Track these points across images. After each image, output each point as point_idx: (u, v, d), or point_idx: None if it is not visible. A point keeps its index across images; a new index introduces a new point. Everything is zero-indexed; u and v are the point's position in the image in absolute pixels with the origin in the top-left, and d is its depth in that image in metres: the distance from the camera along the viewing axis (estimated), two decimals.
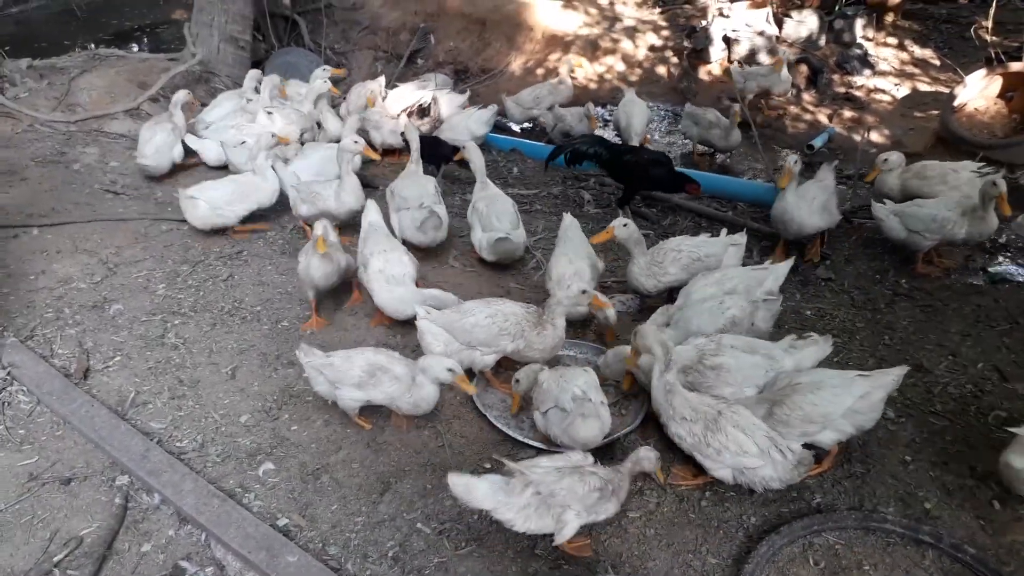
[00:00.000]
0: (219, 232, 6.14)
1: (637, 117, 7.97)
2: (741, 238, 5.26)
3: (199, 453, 4.08)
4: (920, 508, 3.73)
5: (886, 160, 6.16)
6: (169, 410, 4.37)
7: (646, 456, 3.48)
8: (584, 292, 4.45)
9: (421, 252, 5.66)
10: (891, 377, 3.79)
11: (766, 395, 3.91)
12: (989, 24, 8.60)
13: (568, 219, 5.39)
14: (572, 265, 5.02)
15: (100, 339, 4.93)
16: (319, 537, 3.61)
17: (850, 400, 3.71)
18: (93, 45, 10.15)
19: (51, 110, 8.02)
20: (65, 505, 3.76)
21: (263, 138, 6.13)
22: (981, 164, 6.13)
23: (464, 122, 7.85)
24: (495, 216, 5.63)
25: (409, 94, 8.53)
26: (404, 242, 5.49)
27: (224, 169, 7.25)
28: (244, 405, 4.43)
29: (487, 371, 4.50)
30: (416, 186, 5.82)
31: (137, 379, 4.61)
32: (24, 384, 4.47)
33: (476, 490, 3.32)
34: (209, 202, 5.94)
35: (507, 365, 4.73)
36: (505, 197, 5.81)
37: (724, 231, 5.37)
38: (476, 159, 5.92)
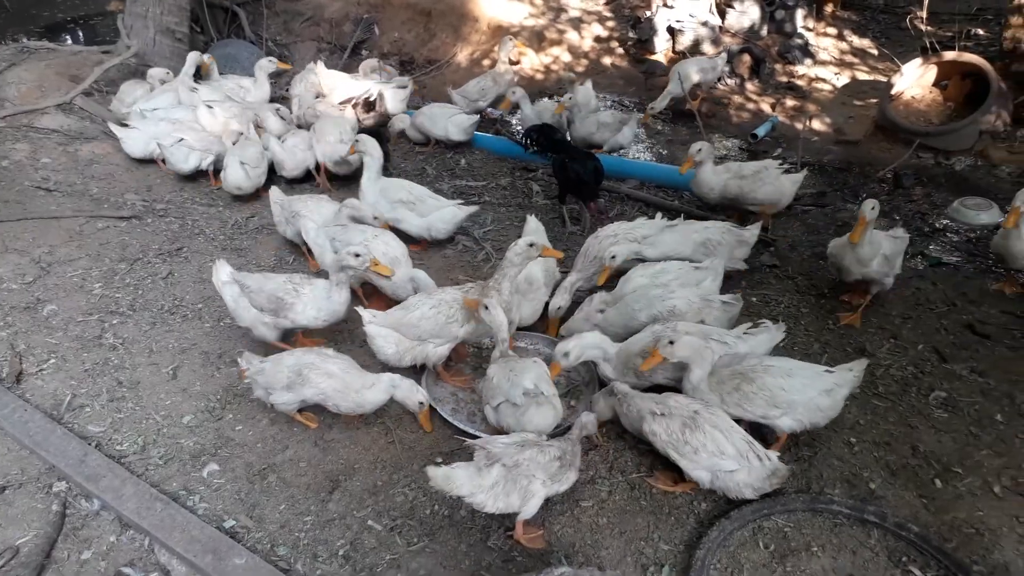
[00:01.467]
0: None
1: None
2: (676, 222, 5.34)
3: (140, 456, 3.96)
4: (865, 489, 3.80)
5: (699, 150, 5.86)
6: (108, 412, 4.24)
7: (588, 420, 3.69)
8: (532, 245, 4.31)
9: None
10: (853, 374, 3.87)
11: (736, 368, 3.92)
12: (924, 14, 8.79)
13: (532, 223, 5.34)
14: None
15: (33, 341, 4.76)
16: (267, 538, 3.53)
17: (815, 392, 3.77)
18: (25, 38, 9.78)
19: None
20: None
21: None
22: (781, 160, 6.21)
23: (444, 123, 7.84)
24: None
25: (349, 85, 8.39)
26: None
27: (148, 162, 7.13)
28: (187, 405, 4.31)
29: (439, 366, 4.44)
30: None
31: (73, 381, 4.46)
32: None
33: (455, 478, 3.31)
34: None
35: (457, 359, 4.70)
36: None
37: (659, 215, 5.42)
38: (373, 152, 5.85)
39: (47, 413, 4.16)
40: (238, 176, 6.40)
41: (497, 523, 3.59)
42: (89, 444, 3.94)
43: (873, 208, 4.79)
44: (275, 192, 5.77)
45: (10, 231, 5.80)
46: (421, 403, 4.00)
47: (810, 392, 3.79)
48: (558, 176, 6.42)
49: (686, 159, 5.85)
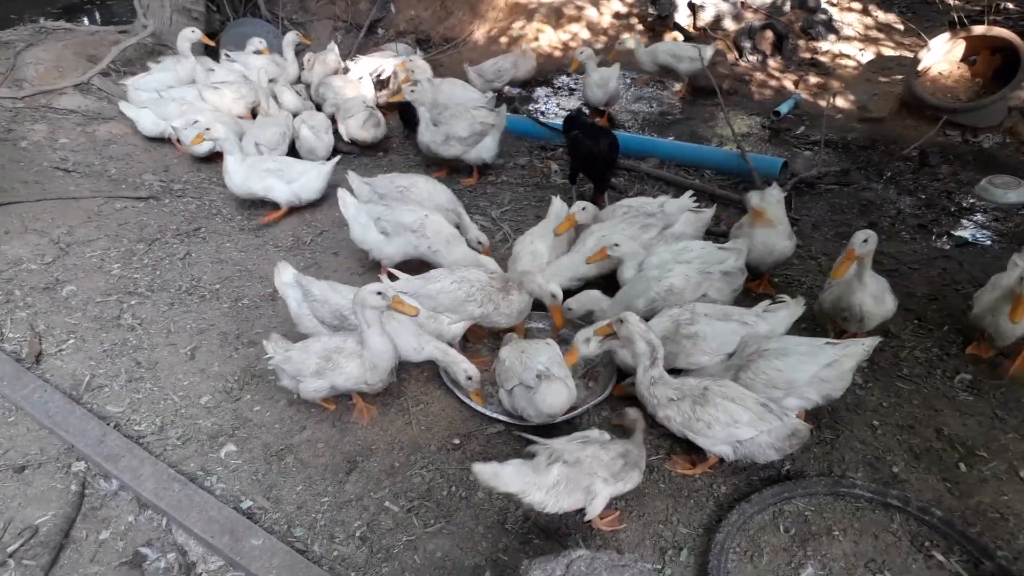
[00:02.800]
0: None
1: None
2: (703, 210, 5.27)
3: (158, 436, 3.97)
4: (888, 472, 3.74)
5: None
6: (126, 393, 4.25)
7: (637, 415, 3.66)
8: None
9: None
10: (862, 347, 3.75)
11: (733, 361, 3.89)
12: None
13: (556, 203, 5.26)
14: (532, 245, 4.95)
15: (52, 321, 4.77)
16: (284, 519, 3.53)
17: (815, 368, 3.68)
18: (42, 19, 9.77)
19: None
20: (19, 493, 3.64)
21: None
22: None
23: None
24: None
25: (373, 64, 8.34)
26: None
27: (165, 143, 7.13)
28: (204, 386, 4.31)
29: (455, 345, 4.41)
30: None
31: (92, 362, 4.46)
32: None
33: (503, 475, 3.20)
34: None
35: (474, 339, 4.67)
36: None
37: (688, 193, 5.32)
38: None
39: (66, 393, 4.17)
40: None
41: (514, 505, 3.56)
42: (108, 424, 3.95)
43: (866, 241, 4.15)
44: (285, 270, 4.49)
45: (29, 211, 5.81)
46: (379, 292, 3.70)
47: (810, 368, 3.70)
48: (570, 152, 6.34)
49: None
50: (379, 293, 3.68)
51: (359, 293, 3.70)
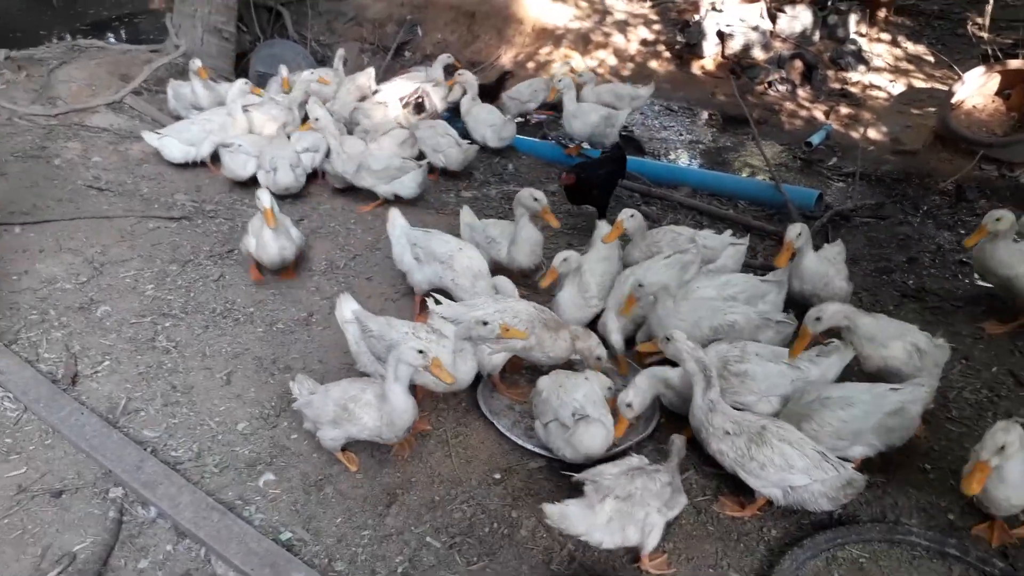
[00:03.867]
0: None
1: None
2: (742, 241, 5.24)
3: (195, 463, 3.91)
4: (943, 519, 3.64)
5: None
6: (163, 417, 4.19)
7: (681, 442, 3.55)
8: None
9: None
10: (924, 390, 3.69)
11: (794, 408, 3.80)
12: (986, 21, 8.56)
13: (602, 228, 5.19)
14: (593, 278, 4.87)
15: (88, 342, 4.74)
16: (324, 552, 3.46)
17: (880, 415, 3.62)
18: (70, 35, 9.86)
19: (30, 103, 7.74)
20: (56, 519, 3.58)
21: None
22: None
23: (483, 128, 7.67)
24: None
25: (404, 86, 8.36)
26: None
27: (193, 166, 7.07)
28: (241, 412, 4.26)
29: (495, 375, 4.35)
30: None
31: (128, 385, 4.42)
32: (10, 391, 4.26)
33: (571, 517, 3.15)
34: None
35: (513, 369, 4.60)
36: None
37: (728, 232, 5.28)
38: None
39: (103, 416, 4.12)
40: (287, 178, 6.37)
41: (559, 545, 3.48)
42: (145, 449, 3.90)
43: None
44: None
45: (63, 230, 5.80)
46: (421, 351, 3.54)
47: (875, 417, 3.64)
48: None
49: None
50: (421, 352, 3.55)
51: (400, 347, 3.59)
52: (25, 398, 4.19)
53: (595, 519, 3.14)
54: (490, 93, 8.78)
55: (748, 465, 3.48)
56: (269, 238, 5.15)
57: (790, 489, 3.45)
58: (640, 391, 3.82)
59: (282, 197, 6.46)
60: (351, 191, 6.64)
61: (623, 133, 8.54)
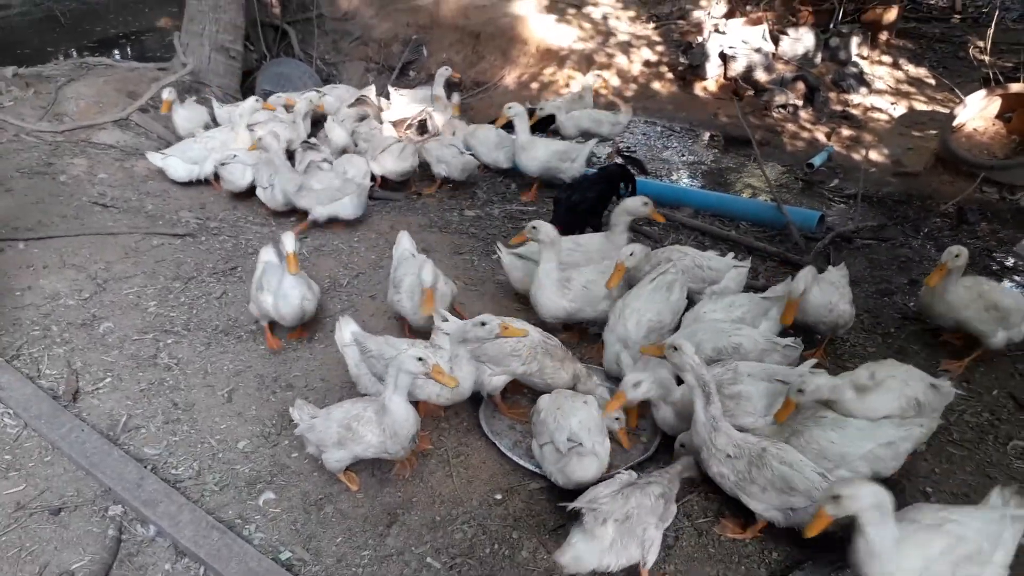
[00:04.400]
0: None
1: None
2: (745, 263, 5.24)
3: (196, 481, 3.90)
4: None
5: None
6: (163, 435, 4.19)
7: (691, 465, 3.68)
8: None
9: None
10: (921, 430, 3.67)
11: (789, 421, 3.78)
12: (987, 45, 8.62)
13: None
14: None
15: (89, 359, 4.74)
16: (324, 572, 3.45)
17: (871, 444, 3.60)
18: (75, 52, 9.94)
19: (37, 119, 7.80)
20: (55, 537, 3.57)
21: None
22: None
23: (492, 150, 7.66)
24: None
25: (407, 106, 8.42)
26: None
27: (198, 183, 7.14)
28: (242, 430, 4.26)
29: (496, 395, 4.35)
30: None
31: (129, 402, 4.42)
32: (10, 407, 4.27)
33: (583, 556, 3.17)
34: None
35: (515, 390, 4.60)
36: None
37: (731, 254, 5.29)
38: None
39: (103, 433, 4.12)
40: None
41: (560, 569, 3.46)
42: (145, 467, 3.89)
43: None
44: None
45: (68, 246, 5.83)
46: (420, 359, 3.54)
47: (866, 444, 3.62)
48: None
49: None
50: (420, 359, 3.55)
51: (400, 356, 3.59)
52: (26, 414, 4.20)
53: (600, 544, 3.14)
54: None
55: (749, 489, 3.47)
56: (290, 287, 4.73)
57: (791, 512, 3.43)
58: (651, 383, 3.87)
59: (282, 213, 6.52)
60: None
61: (625, 154, 8.61)
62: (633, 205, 5.32)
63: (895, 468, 3.69)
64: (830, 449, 3.62)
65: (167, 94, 7.59)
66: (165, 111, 7.70)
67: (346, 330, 4.25)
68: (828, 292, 4.74)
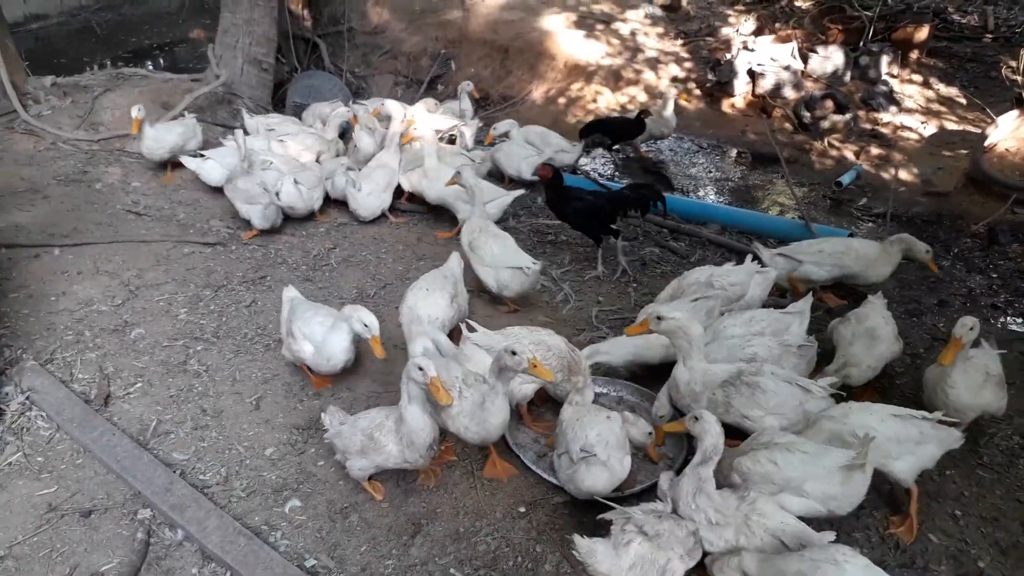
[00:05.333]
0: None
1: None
2: (767, 269, 5.22)
3: (223, 487, 3.95)
4: (973, 567, 3.58)
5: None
6: (192, 441, 4.25)
7: None
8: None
9: None
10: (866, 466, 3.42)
11: (750, 442, 3.74)
12: (1019, 65, 8.54)
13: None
14: None
15: (121, 364, 4.82)
16: None
17: (817, 470, 3.45)
18: (111, 63, 10.14)
19: (74, 128, 7.97)
20: (85, 539, 3.63)
21: None
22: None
23: (518, 162, 7.79)
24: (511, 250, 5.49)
25: (438, 120, 8.49)
26: None
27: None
28: (269, 437, 4.30)
29: (523, 407, 4.36)
30: None
31: (159, 407, 4.49)
32: (43, 409, 4.36)
33: (597, 554, 3.14)
34: None
35: (541, 402, 4.60)
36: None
37: (749, 257, 5.27)
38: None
39: (133, 438, 4.19)
40: (291, 194, 6.51)
41: None
42: (174, 472, 3.95)
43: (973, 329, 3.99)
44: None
45: (102, 253, 5.93)
46: (420, 368, 3.52)
47: (809, 469, 3.46)
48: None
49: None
50: (421, 368, 3.53)
51: (408, 364, 3.59)
52: (58, 417, 4.28)
53: (619, 562, 3.11)
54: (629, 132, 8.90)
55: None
56: (337, 346, 4.41)
57: None
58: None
59: (293, 219, 6.71)
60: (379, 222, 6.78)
61: (653, 169, 8.61)
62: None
63: (851, 505, 3.47)
64: (775, 473, 3.50)
65: (136, 112, 7.08)
66: (135, 131, 7.18)
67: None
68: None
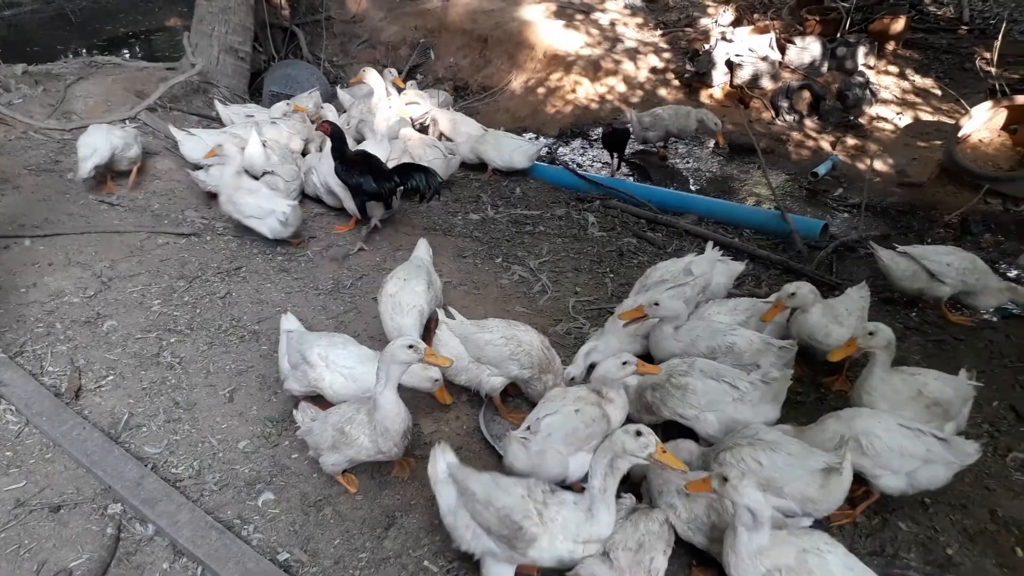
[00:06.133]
0: None
1: None
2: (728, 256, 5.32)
3: (196, 481, 3.92)
4: (942, 554, 3.62)
5: None
6: (164, 434, 4.21)
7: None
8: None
9: None
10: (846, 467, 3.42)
11: (728, 440, 3.73)
12: (993, 56, 8.60)
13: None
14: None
15: (92, 356, 4.77)
16: (321, 573, 3.47)
17: (802, 472, 3.44)
18: (86, 51, 9.98)
19: (46, 117, 7.83)
20: (54, 534, 3.59)
21: None
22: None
23: (511, 152, 7.83)
24: None
25: (417, 102, 8.49)
26: None
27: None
28: (243, 430, 4.27)
29: (495, 396, 4.36)
30: None
31: (131, 400, 4.44)
32: (12, 403, 4.30)
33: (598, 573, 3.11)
34: None
35: (516, 393, 4.61)
36: None
37: (709, 245, 5.30)
38: None
39: (104, 431, 4.14)
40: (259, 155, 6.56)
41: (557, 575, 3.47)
42: (145, 466, 3.91)
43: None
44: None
45: (73, 244, 5.85)
46: (411, 346, 3.49)
47: (795, 471, 3.45)
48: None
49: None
50: (411, 347, 3.47)
51: (389, 347, 3.50)
52: (28, 411, 4.22)
53: (612, 572, 3.13)
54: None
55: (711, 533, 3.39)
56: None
57: None
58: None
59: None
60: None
61: (631, 160, 8.62)
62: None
63: (831, 507, 3.48)
64: (759, 472, 3.49)
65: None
66: None
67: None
68: (827, 316, 4.62)
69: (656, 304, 4.39)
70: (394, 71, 8.98)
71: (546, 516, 3.08)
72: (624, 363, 3.62)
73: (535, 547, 3.05)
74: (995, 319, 5.56)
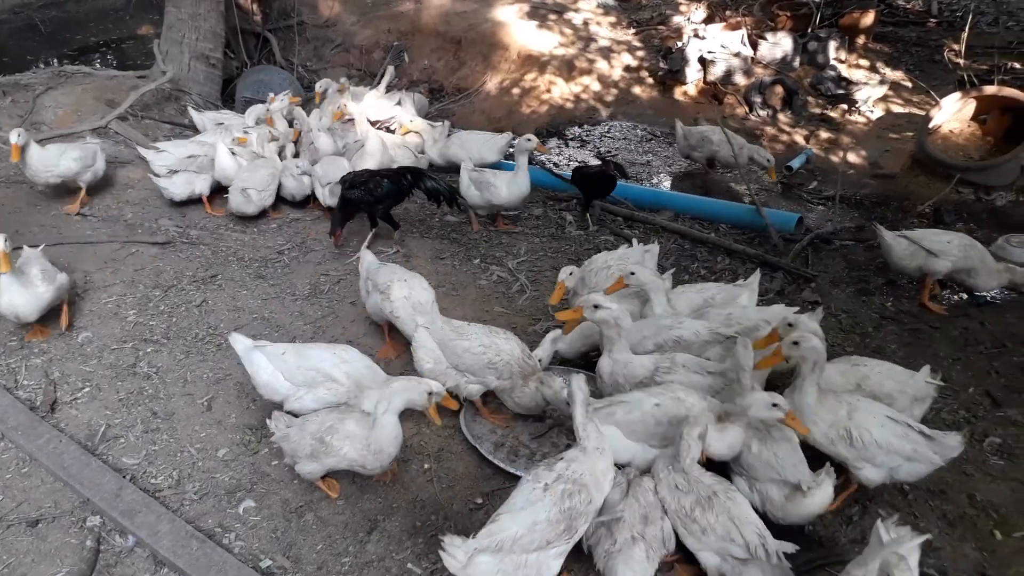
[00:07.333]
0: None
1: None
2: (654, 247, 5.28)
3: (175, 490, 3.89)
4: None
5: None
6: (142, 444, 4.17)
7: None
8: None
9: None
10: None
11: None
12: (962, 48, 8.71)
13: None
14: None
15: (68, 369, 4.72)
16: None
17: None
18: (56, 60, 9.88)
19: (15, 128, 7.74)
20: (32, 549, 3.55)
21: None
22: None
23: (479, 148, 7.70)
24: None
25: (380, 103, 8.44)
26: None
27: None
28: (222, 438, 4.24)
29: (476, 399, 4.35)
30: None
31: (108, 411, 4.40)
32: None
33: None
34: None
35: (494, 396, 4.60)
36: None
37: (635, 240, 5.40)
38: None
39: (81, 444, 4.10)
40: (238, 201, 6.48)
41: None
42: (124, 477, 3.88)
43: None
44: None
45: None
46: (431, 392, 3.64)
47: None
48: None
49: None
50: (430, 394, 3.64)
51: (408, 384, 3.64)
52: (2, 426, 4.18)
53: (643, 564, 3.20)
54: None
55: (690, 526, 3.35)
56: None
57: (728, 560, 3.31)
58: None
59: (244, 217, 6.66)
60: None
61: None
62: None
63: (807, 516, 3.49)
64: (773, 462, 3.52)
65: (16, 137, 6.13)
66: (15, 159, 6.22)
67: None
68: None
69: (596, 307, 4.06)
70: (343, 79, 8.82)
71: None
72: (774, 405, 3.46)
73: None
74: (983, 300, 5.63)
